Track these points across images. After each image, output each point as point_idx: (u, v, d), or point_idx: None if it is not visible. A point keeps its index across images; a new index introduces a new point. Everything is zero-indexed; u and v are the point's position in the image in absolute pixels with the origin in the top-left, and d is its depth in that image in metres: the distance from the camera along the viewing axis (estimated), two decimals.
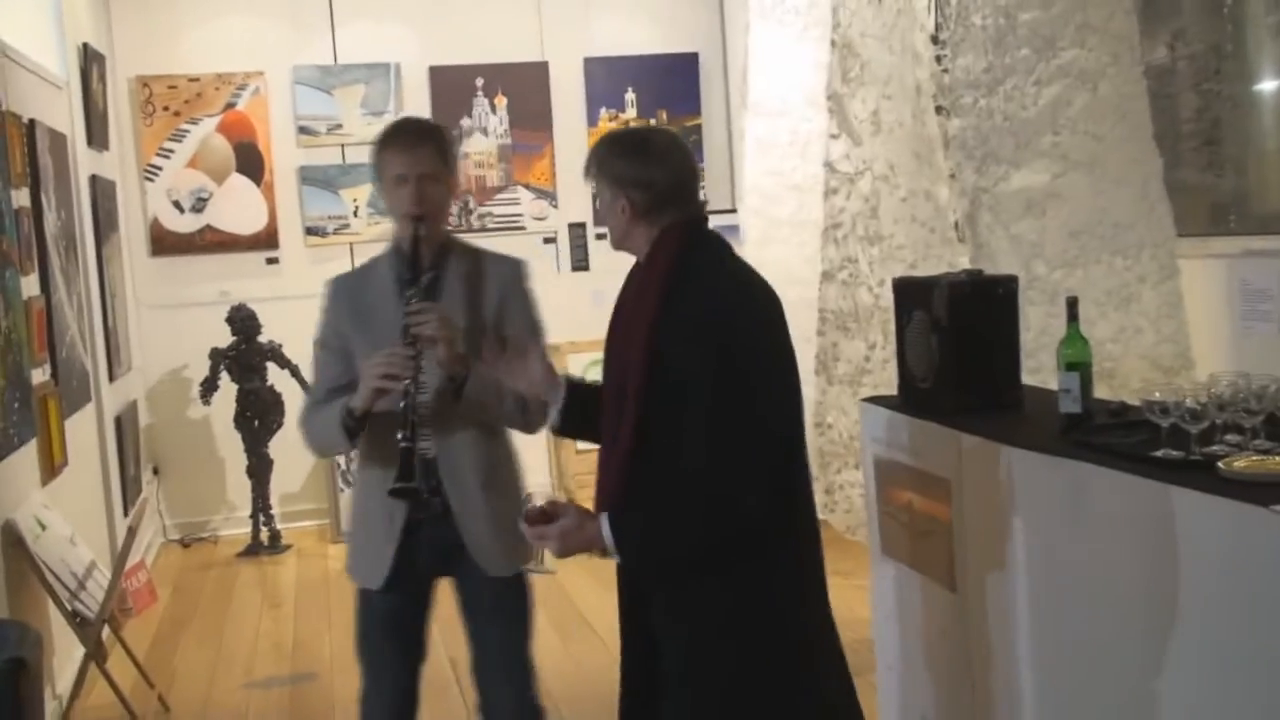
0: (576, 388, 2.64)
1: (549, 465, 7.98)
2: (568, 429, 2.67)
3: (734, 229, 6.97)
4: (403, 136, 2.94)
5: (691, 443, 2.29)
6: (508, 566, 3.03)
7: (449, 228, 3.09)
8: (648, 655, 2.48)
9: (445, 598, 3.12)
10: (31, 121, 5.03)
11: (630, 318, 2.45)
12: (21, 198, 4.76)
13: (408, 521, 2.96)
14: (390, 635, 3.07)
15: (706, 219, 2.56)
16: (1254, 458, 2.35)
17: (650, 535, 2.36)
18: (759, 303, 2.40)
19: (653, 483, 2.34)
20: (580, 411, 2.61)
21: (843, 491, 5.58)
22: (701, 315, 2.33)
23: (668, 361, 2.32)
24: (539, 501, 2.43)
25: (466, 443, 2.96)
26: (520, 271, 3.08)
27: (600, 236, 7.74)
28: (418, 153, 2.90)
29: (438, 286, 2.95)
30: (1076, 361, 2.84)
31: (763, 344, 2.37)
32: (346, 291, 3.05)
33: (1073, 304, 2.90)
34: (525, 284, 3.06)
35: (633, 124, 8.03)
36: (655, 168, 2.44)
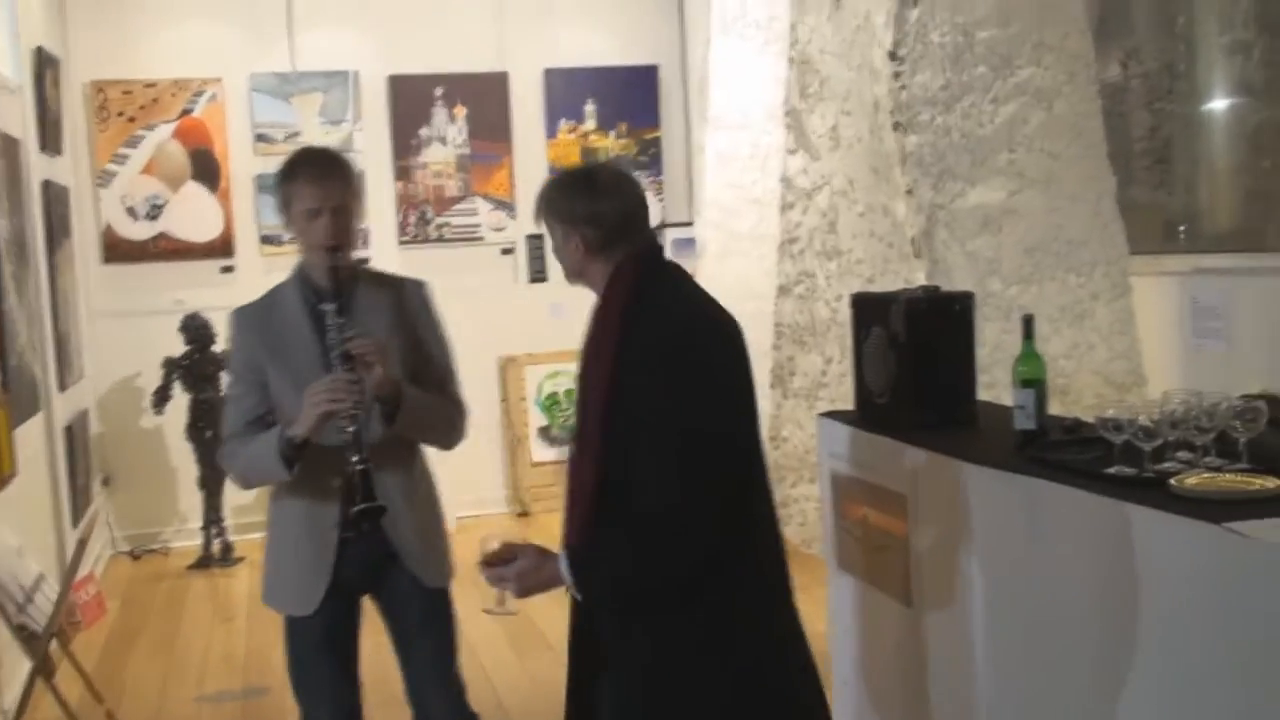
0: None
1: (504, 479, 7.96)
2: None
3: (691, 242, 6.99)
4: (312, 168, 2.94)
5: (646, 475, 2.28)
6: (439, 577, 3.09)
7: (359, 255, 3.12)
8: (595, 677, 2.46)
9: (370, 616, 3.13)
10: None
11: (593, 353, 2.44)
12: None
13: (339, 542, 2.97)
14: (328, 654, 3.06)
15: (660, 248, 2.55)
16: (1205, 475, 2.38)
17: (608, 573, 2.34)
18: (716, 330, 2.40)
19: (615, 518, 2.32)
20: None
21: (797, 505, 5.59)
22: (658, 344, 2.32)
23: (627, 393, 2.31)
24: (495, 543, 2.41)
25: (390, 460, 2.97)
26: (427, 293, 3.13)
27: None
28: (329, 185, 2.91)
29: (348, 313, 2.93)
30: (1031, 378, 2.86)
31: (719, 372, 2.36)
32: (256, 322, 3.04)
33: (1028, 321, 2.93)
34: (432, 305, 3.12)
35: (591, 135, 8.04)
36: (603, 202, 2.45)
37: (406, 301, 3.06)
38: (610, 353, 2.36)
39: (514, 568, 2.36)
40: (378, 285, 3.08)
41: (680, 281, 2.48)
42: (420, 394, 2.96)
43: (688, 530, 2.28)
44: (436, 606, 3.10)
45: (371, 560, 3.00)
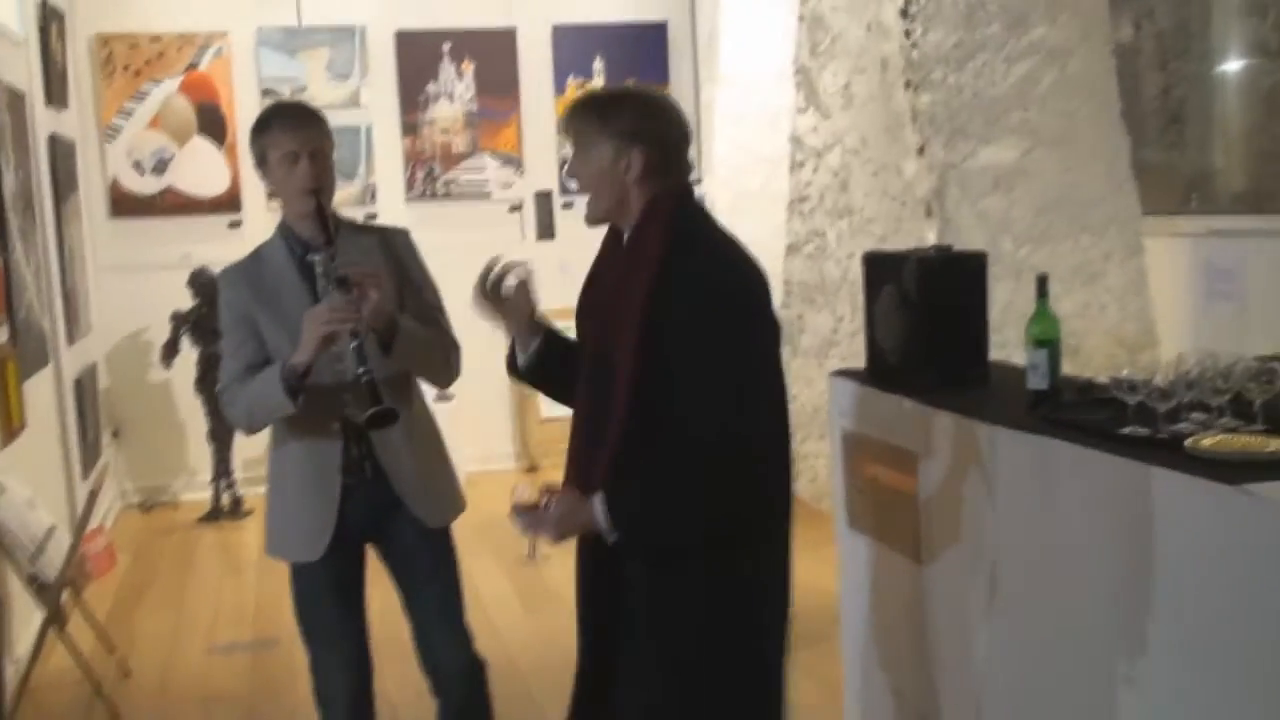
0: (554, 336, 2.59)
1: (513, 434, 7.97)
2: (534, 376, 2.60)
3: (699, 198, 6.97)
4: (286, 117, 3.01)
5: (700, 407, 2.22)
6: (442, 518, 3.10)
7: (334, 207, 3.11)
8: (605, 631, 2.45)
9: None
10: None
11: (618, 288, 2.35)
12: None
13: (342, 487, 2.99)
14: (337, 601, 3.09)
15: (693, 188, 2.47)
16: (1221, 436, 2.38)
17: (651, 511, 2.28)
18: (759, 274, 2.36)
19: (646, 456, 2.27)
20: (552, 362, 2.55)
21: (807, 461, 5.61)
22: (708, 283, 2.26)
23: (666, 331, 2.24)
24: (527, 489, 2.38)
25: (396, 399, 2.95)
26: (410, 240, 3.16)
27: (567, 206, 7.71)
28: (305, 130, 2.96)
29: (333, 260, 2.93)
30: (1045, 338, 2.86)
31: (766, 315, 2.34)
32: (245, 278, 3.05)
33: (1042, 281, 2.92)
34: (416, 249, 3.15)
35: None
36: (665, 123, 2.35)
37: (392, 247, 3.08)
38: (645, 286, 2.27)
39: (551, 513, 2.32)
40: (361, 233, 3.13)
41: (715, 226, 2.41)
42: (416, 325, 2.97)
43: (740, 462, 2.23)
44: (440, 552, 3.11)
45: (375, 505, 3.01)
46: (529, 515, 2.36)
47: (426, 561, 3.10)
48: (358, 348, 2.81)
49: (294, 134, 2.95)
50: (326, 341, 2.83)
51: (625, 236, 2.41)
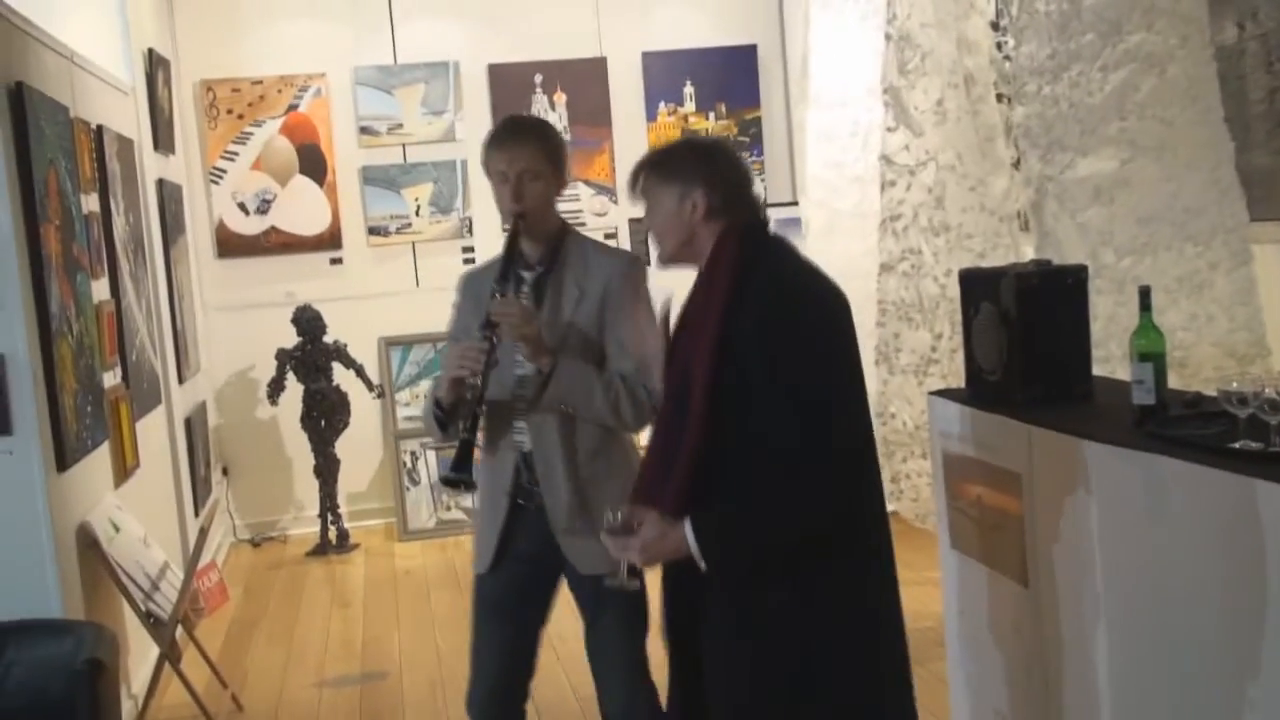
0: None
1: None
2: None
3: (795, 221, 6.94)
4: (501, 133, 3.00)
5: (776, 429, 2.25)
6: (591, 566, 2.90)
7: (560, 222, 3.07)
8: (694, 661, 2.45)
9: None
10: (99, 127, 5.10)
11: (696, 317, 2.41)
12: (91, 203, 4.83)
13: (511, 506, 2.99)
14: (490, 618, 3.09)
15: (767, 222, 2.51)
16: None
17: (739, 532, 2.30)
18: (832, 293, 2.40)
19: (725, 479, 2.30)
20: None
21: (909, 480, 5.53)
22: (778, 298, 2.31)
23: (739, 346, 2.29)
24: (616, 513, 2.38)
25: (559, 436, 2.94)
26: (627, 268, 3.02)
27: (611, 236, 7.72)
28: (516, 150, 2.93)
29: (545, 283, 2.97)
30: (1150, 352, 2.78)
31: (840, 328, 2.36)
32: (472, 284, 3.10)
33: (1145, 293, 2.85)
34: (631, 282, 3.00)
35: (691, 117, 8.01)
36: (722, 164, 2.45)
37: (600, 276, 2.96)
38: (717, 315, 2.33)
39: (639, 538, 2.34)
40: (588, 254, 3.02)
41: (790, 250, 2.46)
42: (582, 369, 2.87)
43: (822, 480, 2.26)
44: (602, 594, 2.86)
45: (545, 533, 2.97)
46: (620, 539, 2.37)
47: (588, 601, 3.05)
48: (470, 401, 2.81)
49: (502, 153, 2.94)
50: (457, 383, 2.85)
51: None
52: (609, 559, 2.47)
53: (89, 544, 4.21)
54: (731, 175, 2.45)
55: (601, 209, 7.90)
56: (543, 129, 3.04)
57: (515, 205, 2.91)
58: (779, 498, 2.27)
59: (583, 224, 7.81)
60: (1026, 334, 3.09)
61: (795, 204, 7.32)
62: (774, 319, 2.29)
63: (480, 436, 2.96)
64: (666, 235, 2.48)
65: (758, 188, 2.60)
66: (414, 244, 7.65)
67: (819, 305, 2.35)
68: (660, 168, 2.47)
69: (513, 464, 2.99)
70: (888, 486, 5.23)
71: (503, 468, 3.01)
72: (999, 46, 5.21)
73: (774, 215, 7.05)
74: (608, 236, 7.84)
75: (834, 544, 2.34)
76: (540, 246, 2.99)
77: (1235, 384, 2.48)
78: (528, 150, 2.93)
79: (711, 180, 2.42)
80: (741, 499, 2.30)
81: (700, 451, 2.32)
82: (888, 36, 5.34)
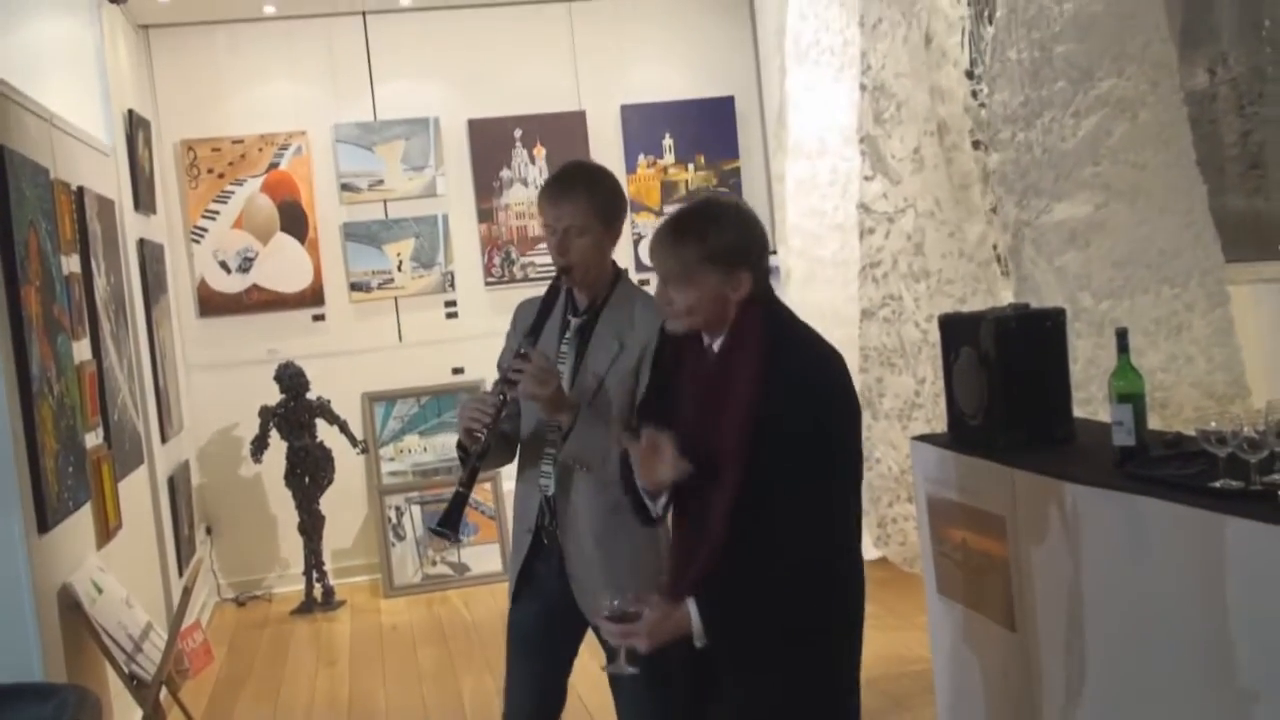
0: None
1: None
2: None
3: (774, 270, 6.97)
4: (552, 187, 2.97)
5: (787, 507, 2.25)
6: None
7: (613, 270, 3.04)
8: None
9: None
10: (80, 188, 5.11)
11: (719, 393, 2.36)
12: (72, 264, 4.83)
13: (534, 542, 2.98)
14: (518, 650, 3.08)
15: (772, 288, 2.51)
16: None
17: (744, 610, 2.29)
18: (842, 365, 2.40)
19: (747, 554, 2.28)
20: None
21: (895, 525, 5.52)
22: (813, 375, 2.31)
23: (771, 429, 2.27)
24: (615, 600, 2.34)
25: (581, 487, 2.91)
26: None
27: (645, 282, 7.73)
28: (563, 205, 2.91)
29: (590, 332, 2.95)
30: (1129, 393, 2.81)
31: (854, 405, 2.39)
32: (523, 314, 3.08)
33: (1122, 335, 2.88)
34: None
35: (670, 169, 8.06)
36: (762, 235, 2.43)
37: (642, 328, 2.91)
38: (751, 385, 2.30)
39: (643, 622, 2.29)
40: (635, 307, 2.98)
41: (793, 317, 2.46)
42: (598, 432, 2.84)
43: (825, 557, 2.28)
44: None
45: (562, 573, 2.96)
46: (619, 626, 2.33)
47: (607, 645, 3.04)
48: (471, 455, 2.80)
49: (550, 207, 2.93)
50: (468, 434, 2.83)
51: (711, 342, 2.44)
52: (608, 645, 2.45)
53: (71, 606, 4.17)
54: (766, 250, 2.42)
55: None
56: (592, 181, 2.97)
57: (560, 259, 2.91)
58: (787, 585, 2.26)
59: None
60: (1006, 377, 3.11)
61: (774, 253, 7.36)
62: (817, 390, 2.29)
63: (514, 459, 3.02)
64: (701, 311, 2.39)
65: None
66: (396, 299, 7.66)
67: (845, 389, 2.35)
68: (707, 245, 2.35)
69: (537, 504, 2.99)
70: (875, 532, 5.23)
71: (529, 503, 3.01)
72: (974, 94, 5.27)
73: None
74: None
75: (834, 622, 2.36)
76: (589, 294, 2.99)
77: (1214, 423, 2.50)
78: (573, 207, 2.89)
79: (759, 264, 2.39)
80: (754, 583, 2.28)
81: (731, 524, 2.30)
82: (863, 86, 5.40)
